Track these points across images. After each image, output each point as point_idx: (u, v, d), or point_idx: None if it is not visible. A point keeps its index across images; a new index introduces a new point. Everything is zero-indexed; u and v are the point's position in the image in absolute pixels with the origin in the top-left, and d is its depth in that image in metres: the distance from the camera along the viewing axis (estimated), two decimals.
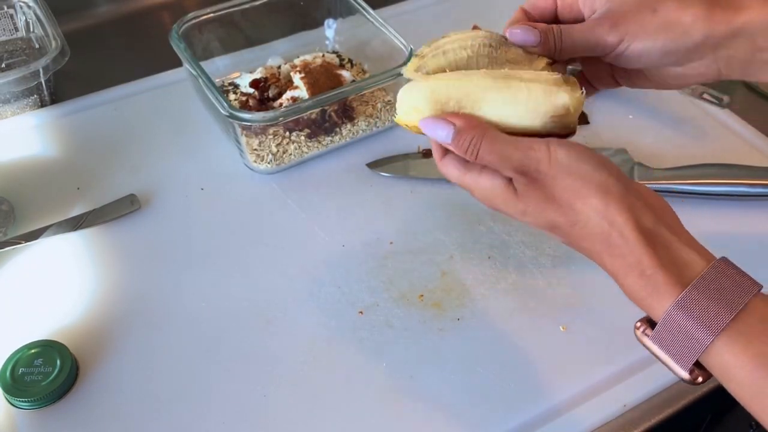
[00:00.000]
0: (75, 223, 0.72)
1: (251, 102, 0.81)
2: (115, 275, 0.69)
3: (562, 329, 0.64)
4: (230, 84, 0.85)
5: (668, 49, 0.53)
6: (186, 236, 0.72)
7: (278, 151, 0.77)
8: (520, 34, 0.54)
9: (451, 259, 0.69)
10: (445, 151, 0.53)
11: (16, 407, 0.59)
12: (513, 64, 0.54)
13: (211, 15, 0.83)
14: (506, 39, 0.54)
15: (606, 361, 0.62)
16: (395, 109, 0.54)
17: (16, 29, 0.89)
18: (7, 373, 0.59)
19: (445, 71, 0.53)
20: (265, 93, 0.81)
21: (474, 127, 0.50)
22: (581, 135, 0.83)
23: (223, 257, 0.70)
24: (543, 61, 0.54)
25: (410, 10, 1.01)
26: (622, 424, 0.56)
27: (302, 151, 0.78)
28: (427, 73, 0.53)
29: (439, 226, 0.73)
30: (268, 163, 0.77)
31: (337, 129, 0.79)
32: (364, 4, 0.84)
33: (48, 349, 0.61)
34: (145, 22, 1.03)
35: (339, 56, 0.89)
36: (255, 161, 0.77)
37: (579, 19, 0.56)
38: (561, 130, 0.52)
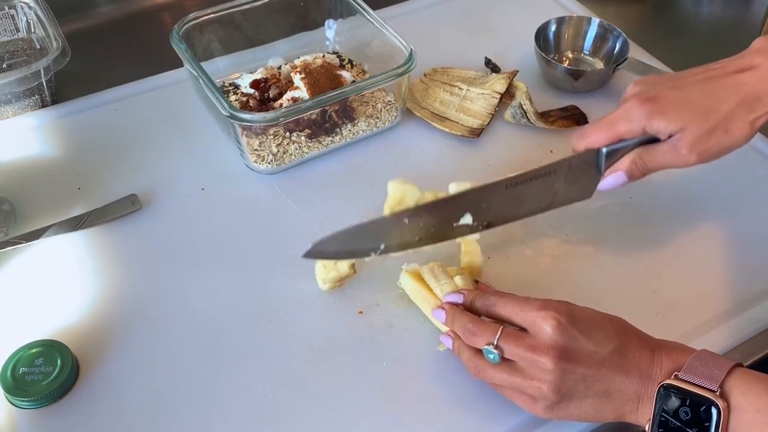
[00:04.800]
0: (76, 223, 0.72)
1: (252, 102, 0.81)
2: (116, 275, 0.69)
3: None
4: (231, 84, 0.85)
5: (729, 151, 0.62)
6: (187, 236, 0.72)
7: (279, 151, 0.77)
8: (611, 184, 0.65)
9: (451, 259, 0.69)
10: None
11: (17, 407, 0.59)
12: None
13: (212, 15, 0.83)
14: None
15: None
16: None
17: (17, 30, 0.89)
18: (8, 373, 0.59)
19: None
20: (266, 93, 0.81)
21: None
22: None
23: (224, 257, 0.70)
24: None
25: (410, 10, 1.01)
26: (621, 424, 0.56)
27: (303, 152, 0.78)
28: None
29: None
30: (269, 163, 0.77)
31: (338, 129, 0.80)
32: (365, 5, 0.84)
33: (49, 348, 0.61)
34: (146, 22, 1.03)
35: (339, 57, 0.89)
36: (255, 161, 0.77)
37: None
38: None
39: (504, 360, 0.55)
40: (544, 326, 0.53)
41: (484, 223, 0.65)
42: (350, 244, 0.62)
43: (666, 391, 0.51)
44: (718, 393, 0.50)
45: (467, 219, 0.64)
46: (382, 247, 0.62)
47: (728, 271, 0.70)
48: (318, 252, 0.60)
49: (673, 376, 0.52)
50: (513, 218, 0.67)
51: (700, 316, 0.66)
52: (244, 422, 0.59)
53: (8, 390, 0.58)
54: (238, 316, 0.66)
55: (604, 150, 0.64)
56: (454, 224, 0.64)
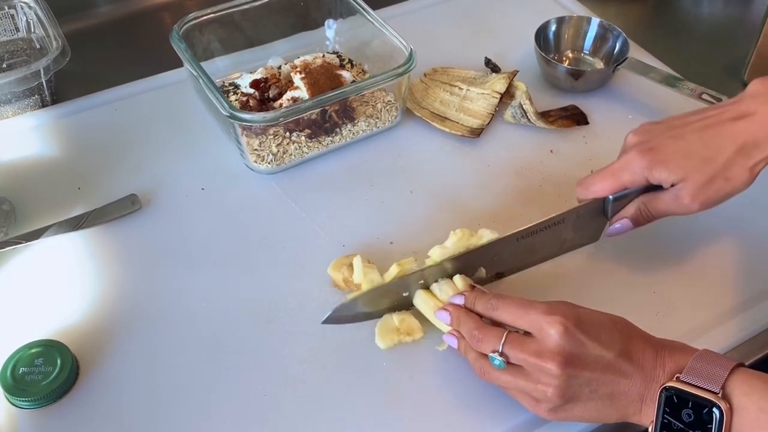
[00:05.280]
0: (76, 223, 0.72)
1: (252, 102, 0.81)
2: (116, 275, 0.69)
3: None
4: (231, 84, 0.85)
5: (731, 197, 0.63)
6: (187, 236, 0.72)
7: (279, 151, 0.77)
8: (618, 230, 0.66)
9: None
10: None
11: (17, 407, 0.59)
12: None
13: (212, 15, 0.83)
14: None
15: None
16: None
17: (17, 30, 0.89)
18: (8, 373, 0.59)
19: None
20: (266, 93, 0.81)
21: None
22: (581, 135, 0.83)
23: (224, 257, 0.70)
24: None
25: (410, 10, 1.01)
26: (623, 424, 0.56)
27: (302, 152, 0.78)
28: None
29: (439, 227, 0.73)
30: (269, 163, 0.77)
31: (338, 129, 0.80)
32: (365, 5, 0.84)
33: (48, 348, 0.61)
34: (146, 22, 1.03)
35: (339, 57, 0.89)
36: (255, 161, 0.77)
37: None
38: None
39: (509, 364, 0.55)
40: (551, 331, 0.53)
41: (494, 274, 0.66)
42: (368, 308, 0.63)
43: (668, 393, 0.51)
44: (720, 394, 0.50)
45: (480, 273, 0.65)
46: (400, 306, 0.64)
47: (728, 271, 0.70)
48: (337, 317, 0.62)
49: (674, 378, 0.52)
50: (523, 267, 0.68)
51: (700, 316, 0.66)
52: (244, 422, 0.59)
53: (8, 390, 0.58)
54: (238, 316, 0.66)
55: (611, 197, 0.65)
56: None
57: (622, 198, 0.65)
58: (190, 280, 0.68)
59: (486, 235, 0.64)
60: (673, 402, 0.51)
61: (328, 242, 0.72)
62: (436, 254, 0.63)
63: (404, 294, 0.64)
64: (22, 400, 0.58)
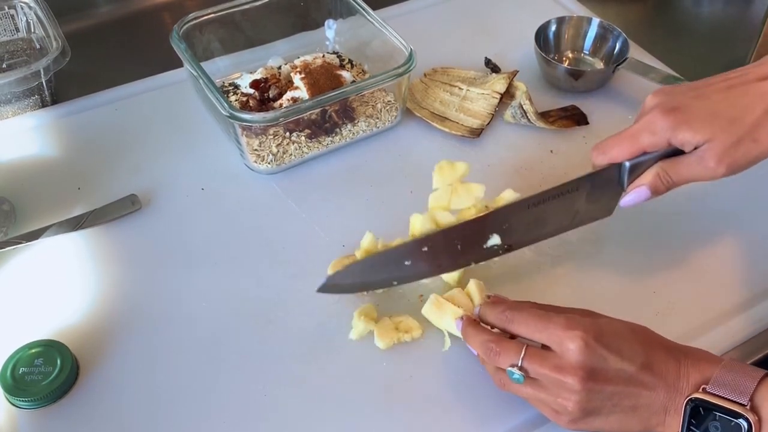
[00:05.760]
0: (76, 223, 0.72)
1: (251, 102, 0.81)
2: (116, 275, 0.69)
3: None
4: (231, 84, 0.85)
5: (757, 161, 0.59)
6: (187, 236, 0.72)
7: (278, 151, 0.77)
8: (633, 200, 0.62)
9: None
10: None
11: (17, 407, 0.59)
12: None
13: (212, 15, 0.83)
14: None
15: None
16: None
17: (17, 30, 0.89)
18: (8, 373, 0.59)
19: None
20: (266, 93, 0.81)
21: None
22: (581, 135, 0.83)
23: (224, 257, 0.70)
24: None
25: (410, 10, 1.01)
26: None
27: (302, 152, 0.78)
28: None
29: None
30: (269, 163, 0.77)
31: (338, 129, 0.80)
32: (365, 5, 0.84)
33: (48, 348, 0.61)
34: (146, 22, 1.03)
35: (339, 57, 0.89)
36: (255, 161, 0.77)
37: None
38: None
39: (528, 377, 0.54)
40: (571, 346, 0.52)
41: (504, 247, 0.63)
42: (366, 276, 0.61)
43: (694, 405, 0.51)
44: (748, 406, 0.49)
45: (494, 240, 0.62)
46: (401, 276, 0.61)
47: (728, 271, 0.70)
48: (333, 285, 0.60)
49: (701, 389, 0.51)
50: (534, 240, 0.64)
51: (700, 316, 0.66)
52: (244, 422, 0.59)
53: (8, 390, 0.58)
54: (238, 316, 0.66)
55: (627, 164, 0.60)
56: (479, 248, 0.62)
57: (639, 165, 0.60)
58: (190, 280, 0.68)
59: (488, 195, 0.63)
60: (699, 414, 0.50)
61: (328, 242, 0.72)
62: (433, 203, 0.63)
63: (406, 263, 0.60)
64: (22, 400, 0.58)
